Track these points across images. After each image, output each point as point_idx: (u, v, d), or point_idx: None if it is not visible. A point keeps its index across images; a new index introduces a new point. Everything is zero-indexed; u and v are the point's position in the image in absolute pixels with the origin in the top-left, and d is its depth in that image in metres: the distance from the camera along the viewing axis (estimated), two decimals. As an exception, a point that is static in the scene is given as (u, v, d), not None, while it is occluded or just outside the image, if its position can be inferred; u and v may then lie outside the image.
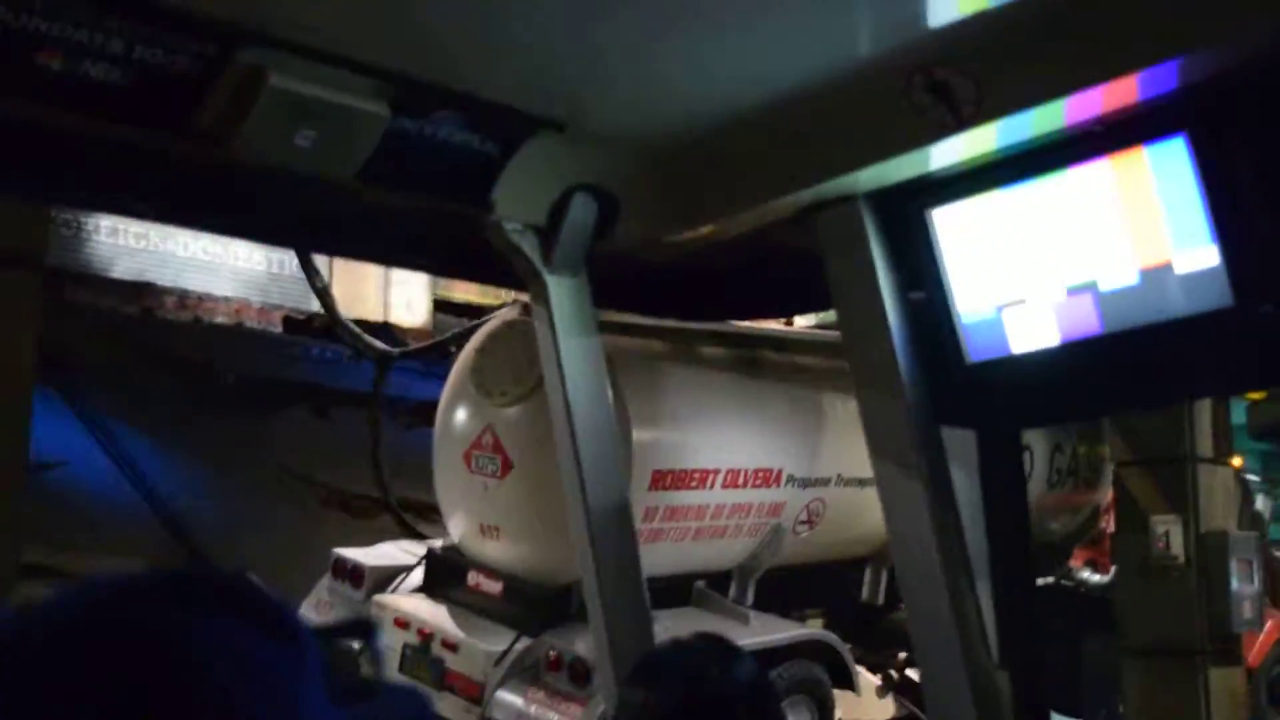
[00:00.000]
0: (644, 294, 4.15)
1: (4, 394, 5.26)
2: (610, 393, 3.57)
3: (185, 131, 2.57)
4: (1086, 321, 2.76)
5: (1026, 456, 9.89)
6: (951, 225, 2.93)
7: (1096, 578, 11.61)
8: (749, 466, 8.42)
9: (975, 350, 2.95)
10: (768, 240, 3.34)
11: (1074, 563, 11.84)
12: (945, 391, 3.04)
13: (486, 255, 3.37)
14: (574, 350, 3.45)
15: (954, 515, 3.01)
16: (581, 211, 3.31)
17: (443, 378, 16.19)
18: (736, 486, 8.36)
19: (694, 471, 8.05)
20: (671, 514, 8.03)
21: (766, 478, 8.55)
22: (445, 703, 7.72)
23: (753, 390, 8.50)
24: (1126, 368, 2.79)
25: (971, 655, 2.95)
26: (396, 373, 17.15)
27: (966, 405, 3.06)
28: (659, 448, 7.83)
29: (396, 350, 12.20)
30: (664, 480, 7.88)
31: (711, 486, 8.19)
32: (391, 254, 4.18)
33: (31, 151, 2.75)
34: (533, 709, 7.29)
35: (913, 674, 10.27)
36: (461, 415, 8.35)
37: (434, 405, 8.51)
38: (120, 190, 3.02)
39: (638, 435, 7.66)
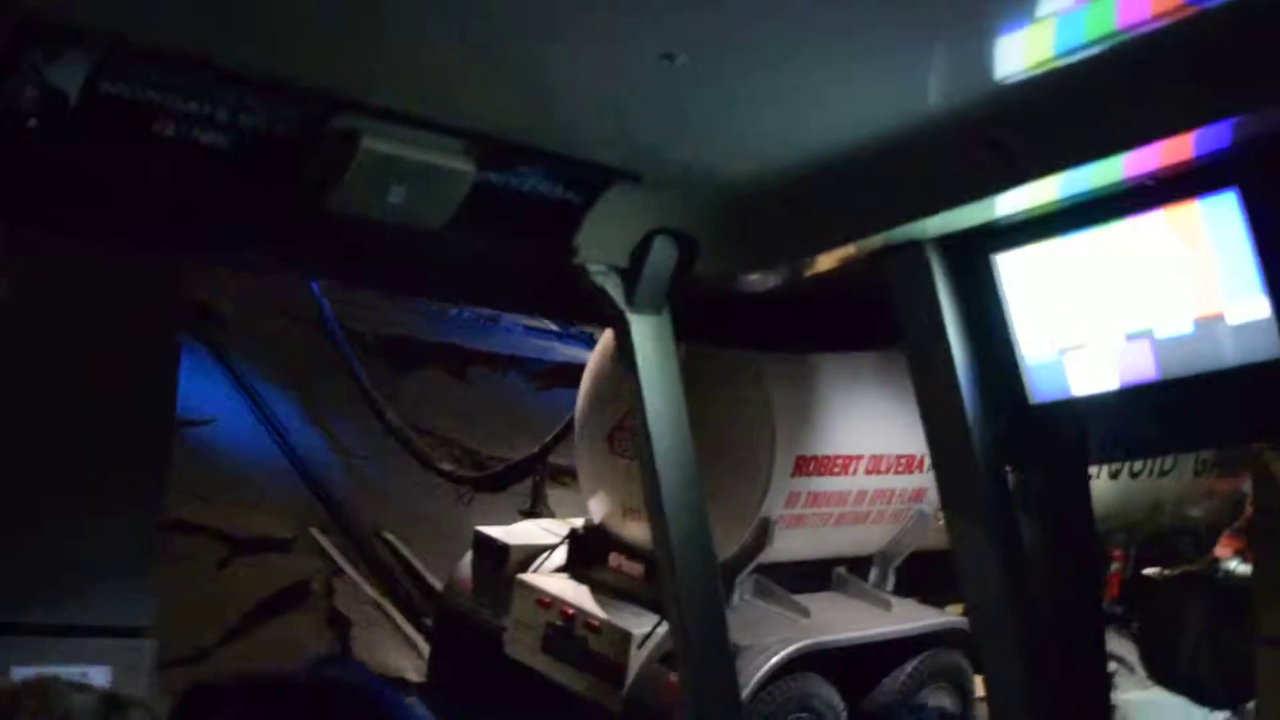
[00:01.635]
0: (726, 326, 4.26)
1: (152, 347, 5.34)
2: (687, 421, 3.61)
3: (288, 190, 2.74)
4: (1144, 367, 2.79)
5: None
6: (1015, 270, 2.98)
7: (1243, 568, 11.35)
8: (892, 452, 8.37)
9: (1039, 392, 2.99)
10: (843, 280, 3.41)
11: (1221, 552, 11.58)
12: (1010, 432, 3.07)
13: (574, 295, 3.47)
14: (655, 385, 3.56)
15: (1018, 548, 3.06)
16: (661, 253, 3.38)
17: (579, 339, 16.37)
18: (879, 472, 8.32)
19: (836, 458, 8.02)
20: (814, 499, 8.02)
21: (909, 463, 8.48)
22: (586, 682, 7.82)
23: (895, 374, 8.40)
24: (1182, 412, 2.82)
25: (1036, 684, 2.99)
26: (535, 335, 17.38)
27: (1032, 445, 3.10)
28: (802, 435, 7.81)
29: (548, 440, 11.65)
30: (807, 466, 7.86)
31: (854, 472, 8.16)
32: (482, 296, 4.35)
33: (152, 207, 2.97)
34: (675, 691, 7.33)
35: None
36: (605, 397, 8.40)
37: (569, 367, 8.54)
38: (227, 242, 3.21)
39: (780, 422, 7.64)
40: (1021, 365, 3.00)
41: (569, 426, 10.70)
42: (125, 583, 5.12)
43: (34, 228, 4.39)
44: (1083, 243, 2.86)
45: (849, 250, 3.19)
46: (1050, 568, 3.16)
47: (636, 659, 7.60)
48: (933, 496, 8.71)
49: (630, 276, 3.41)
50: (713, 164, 3.10)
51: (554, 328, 18.21)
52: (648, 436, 3.50)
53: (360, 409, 14.08)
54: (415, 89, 2.60)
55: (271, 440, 13.38)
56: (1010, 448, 3.08)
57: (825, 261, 3.31)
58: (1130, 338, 2.80)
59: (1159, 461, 10.39)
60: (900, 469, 8.43)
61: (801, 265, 3.38)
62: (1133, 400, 2.84)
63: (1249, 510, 11.46)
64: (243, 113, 2.52)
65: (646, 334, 3.50)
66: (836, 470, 8.02)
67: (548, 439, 11.30)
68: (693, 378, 3.70)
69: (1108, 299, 2.84)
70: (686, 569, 3.55)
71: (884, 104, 2.67)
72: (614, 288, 3.41)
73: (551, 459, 13.39)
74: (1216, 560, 11.46)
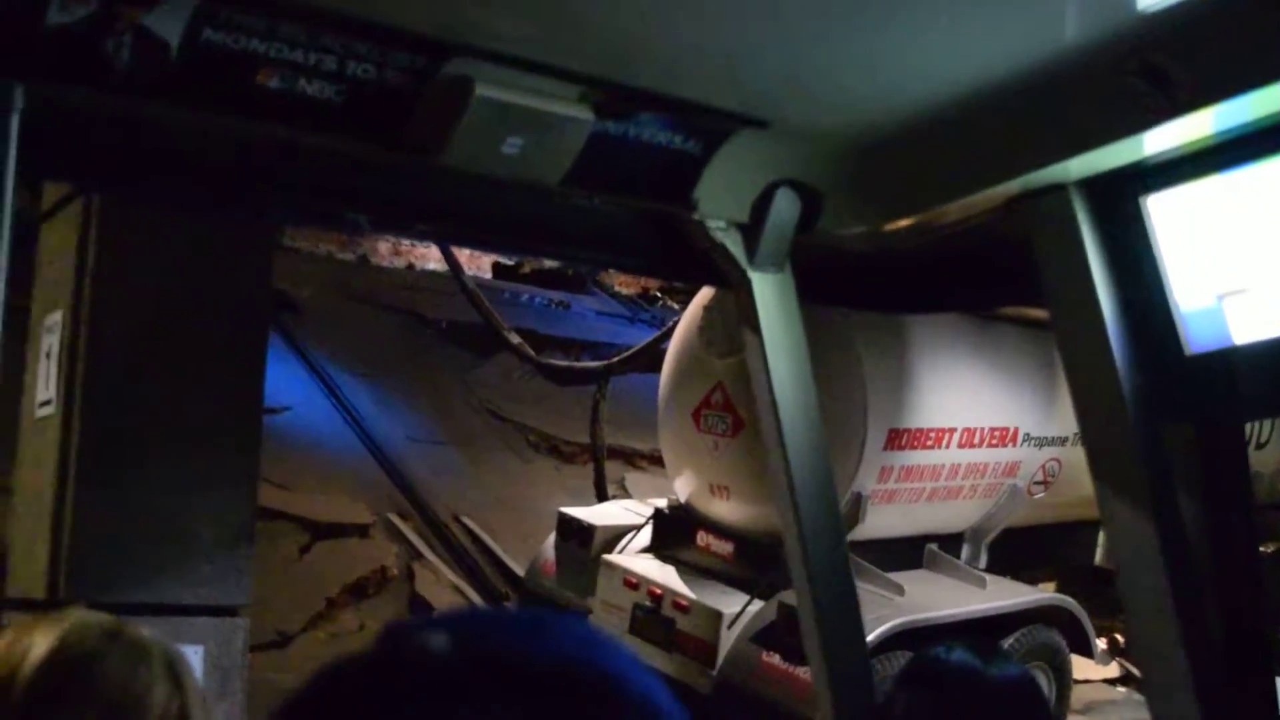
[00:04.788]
0: (850, 287, 4.11)
1: (243, 336, 5.32)
2: (814, 374, 3.46)
3: (396, 143, 2.64)
4: None
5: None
6: (1168, 212, 2.78)
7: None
8: (985, 425, 8.18)
9: (1195, 342, 2.78)
10: (976, 231, 3.25)
11: (1318, 527, 11.28)
12: (1163, 385, 2.89)
13: (689, 254, 3.38)
14: (779, 343, 3.43)
15: (1175, 513, 2.87)
16: (784, 206, 3.25)
17: (647, 323, 16.30)
18: (972, 446, 8.14)
19: (929, 430, 7.85)
20: (906, 474, 7.85)
21: (1003, 437, 8.30)
22: (675, 663, 7.70)
23: (986, 347, 8.23)
24: None
25: (1197, 664, 2.79)
26: (601, 319, 17.34)
27: (1186, 399, 2.91)
28: (895, 407, 7.64)
29: (615, 360, 12.05)
30: (899, 440, 7.69)
31: (947, 446, 7.99)
32: (595, 255, 4.23)
33: (251, 166, 2.88)
34: (767, 671, 7.20)
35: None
36: (690, 373, 8.26)
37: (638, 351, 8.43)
38: (334, 201, 3.12)
39: (873, 394, 7.48)
40: (1176, 314, 2.80)
41: (641, 352, 10.65)
42: (223, 561, 5.09)
43: (131, 192, 4.37)
44: (1244, 179, 2.65)
45: (983, 199, 3.02)
46: (1207, 530, 2.99)
47: (727, 639, 7.48)
48: (1026, 472, 8.53)
49: (751, 232, 3.28)
50: (839, 108, 2.94)
51: (625, 312, 18.15)
52: (773, 401, 3.36)
53: (438, 398, 14.07)
54: (531, 31, 2.49)
55: (348, 428, 13.38)
56: (1164, 402, 2.93)
57: (956, 213, 3.15)
58: None
59: (1256, 433, 10.11)
60: (994, 442, 8.23)
61: (930, 218, 3.24)
62: None
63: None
64: (351, 61, 2.43)
65: (769, 293, 3.36)
66: (930, 444, 7.85)
67: (614, 358, 11.35)
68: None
69: (1272, 239, 2.64)
70: (817, 539, 3.42)
71: (1021, 36, 2.50)
72: (734, 244, 3.29)
73: (628, 444, 13.37)
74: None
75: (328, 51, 2.40)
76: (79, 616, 1.86)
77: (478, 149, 2.65)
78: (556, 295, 17.39)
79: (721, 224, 3.25)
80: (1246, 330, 2.73)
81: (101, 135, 2.62)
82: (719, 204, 3.19)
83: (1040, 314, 8.01)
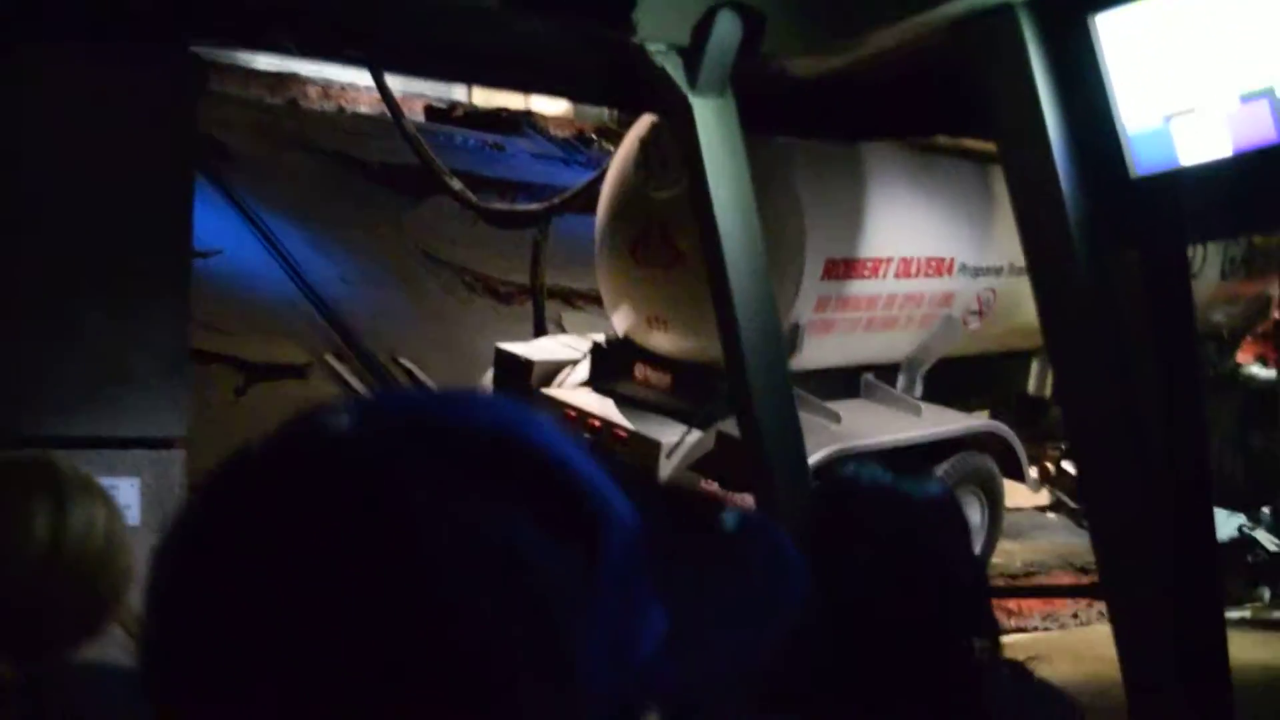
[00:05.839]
0: (791, 114, 4.05)
1: (166, 180, 5.23)
2: (755, 202, 3.42)
3: None
4: (1262, 130, 2.61)
5: (1199, 247, 9.54)
6: (1116, 32, 2.77)
7: (1265, 373, 11.27)
8: (922, 255, 8.21)
9: (1141, 164, 2.82)
10: (920, 57, 3.20)
11: (1243, 357, 11.49)
12: (1109, 208, 2.88)
13: (630, 80, 3.35)
14: (721, 170, 3.39)
15: (1120, 338, 2.88)
16: (725, 29, 3.21)
17: (583, 165, 16.11)
18: (909, 276, 8.17)
19: (867, 260, 7.86)
20: (843, 304, 7.88)
21: (939, 266, 8.34)
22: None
23: (924, 177, 8.21)
24: None
25: (1141, 491, 2.84)
26: (538, 161, 17.11)
27: (1132, 224, 2.91)
28: (832, 236, 7.63)
29: (556, 202, 11.87)
30: (836, 269, 7.71)
31: (884, 276, 8.01)
32: (537, 81, 4.16)
33: None
34: (709, 499, 7.29)
35: (1067, 466, 10.22)
36: (628, 208, 8.20)
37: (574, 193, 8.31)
38: (273, 22, 3.05)
39: (810, 223, 7.46)
40: (1123, 136, 2.82)
41: (581, 193, 10.58)
42: (158, 393, 5.04)
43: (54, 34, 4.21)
44: None
45: (929, 19, 2.97)
46: (1152, 357, 3.00)
47: (666, 467, 7.55)
48: (961, 302, 8.59)
49: (692, 56, 3.23)
50: None
51: (560, 154, 17.93)
52: (714, 226, 3.35)
53: (372, 241, 13.90)
54: None
55: (283, 271, 13.20)
56: (1110, 227, 2.91)
57: (898, 35, 3.11)
58: (1246, 99, 2.61)
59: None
60: (930, 272, 8.27)
61: (876, 39, 3.18)
62: (1247, 168, 2.68)
63: (1276, 314, 11.37)
64: None
65: (710, 118, 3.32)
66: (866, 274, 7.87)
67: (555, 199, 11.31)
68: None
69: (1221, 58, 2.64)
70: (758, 361, 3.42)
71: None
72: (675, 69, 3.24)
73: (565, 284, 13.31)
74: (1239, 365, 11.39)
75: None
76: None
77: None
78: (491, 138, 17.10)
79: (662, 47, 3.19)
80: (1193, 151, 2.72)
81: None
82: (659, 26, 3.13)
83: (978, 145, 8.03)
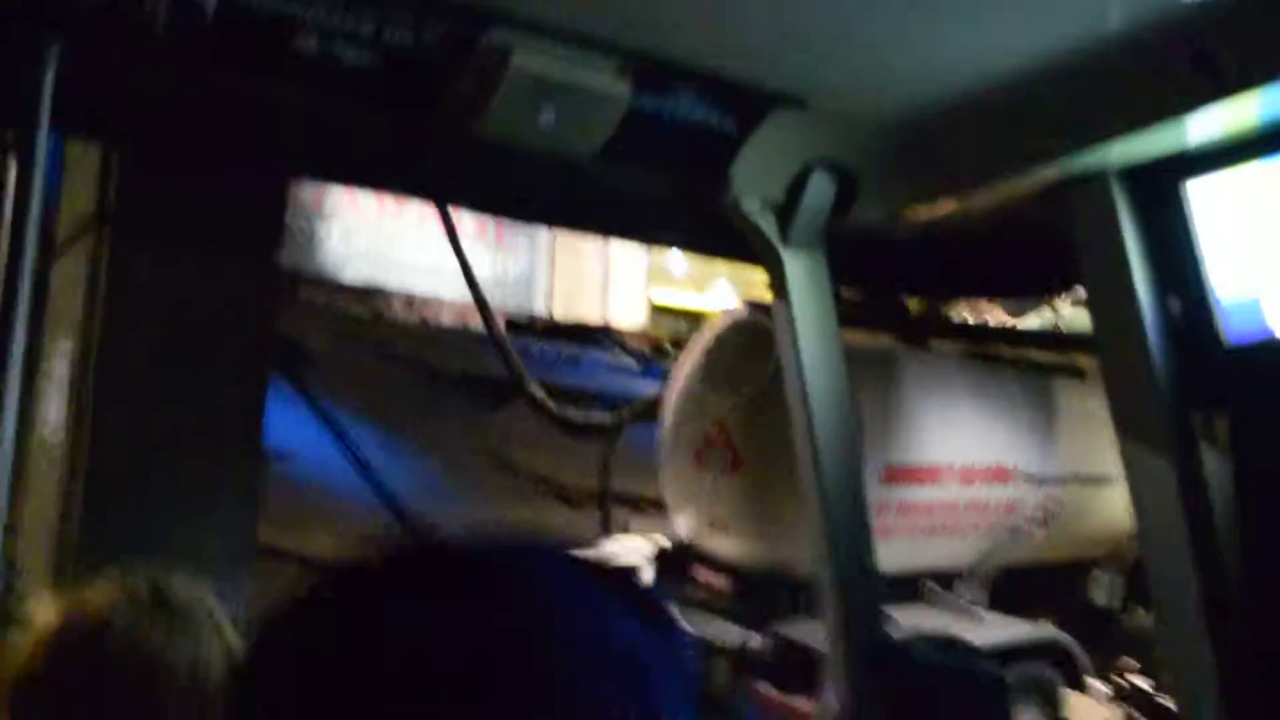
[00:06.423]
0: (884, 272, 4.09)
1: (243, 382, 5.43)
2: (844, 363, 3.44)
3: (432, 112, 2.63)
4: None
5: None
6: (1209, 200, 2.77)
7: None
8: (983, 463, 8.24)
9: (1233, 333, 2.77)
10: (1013, 218, 3.25)
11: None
12: (1199, 375, 2.88)
13: (725, 231, 3.33)
14: (811, 328, 3.37)
15: (1207, 506, 2.85)
16: (819, 188, 3.22)
17: (656, 376, 16.34)
18: (970, 483, 8.19)
19: (927, 467, 7.91)
20: (904, 510, 7.90)
21: (1001, 474, 8.35)
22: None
23: (986, 385, 8.30)
24: None
25: (1225, 666, 2.77)
26: (611, 373, 17.34)
27: (1223, 389, 2.90)
28: (892, 442, 7.71)
29: (627, 411, 12.12)
30: (897, 475, 7.76)
31: (945, 483, 8.04)
32: (631, 230, 4.20)
33: (285, 130, 2.88)
34: (763, 703, 7.24)
35: (1141, 682, 9.93)
36: (691, 413, 8.36)
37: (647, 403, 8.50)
38: (370, 167, 3.13)
39: (870, 429, 7.54)
40: (1214, 305, 2.79)
41: (648, 409, 10.72)
42: (223, 581, 5.16)
43: (164, 157, 4.39)
44: None
45: (1023, 183, 3.01)
46: (1240, 522, 2.90)
47: (723, 672, 7.52)
48: (1024, 510, 8.57)
49: (786, 213, 3.27)
50: (878, 88, 2.93)
51: (635, 366, 18.18)
52: (803, 384, 3.32)
53: (447, 446, 14.10)
54: (569, 1, 2.50)
55: (356, 474, 13.39)
56: (1201, 394, 2.89)
57: (991, 198, 3.14)
58: None
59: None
60: (992, 480, 8.29)
61: (969, 202, 3.21)
62: None
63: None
64: (387, 28, 2.42)
65: (801, 273, 3.34)
66: (927, 480, 7.91)
67: (625, 409, 11.41)
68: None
69: None
70: (842, 513, 3.32)
71: (1064, 19, 2.49)
72: (768, 224, 3.27)
73: (631, 488, 13.41)
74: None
75: (365, 17, 2.39)
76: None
77: (513, 120, 2.63)
78: (568, 349, 17.41)
79: (756, 204, 3.23)
80: None
81: (135, 96, 2.61)
82: (754, 184, 3.17)
83: (1040, 355, 8.10)
